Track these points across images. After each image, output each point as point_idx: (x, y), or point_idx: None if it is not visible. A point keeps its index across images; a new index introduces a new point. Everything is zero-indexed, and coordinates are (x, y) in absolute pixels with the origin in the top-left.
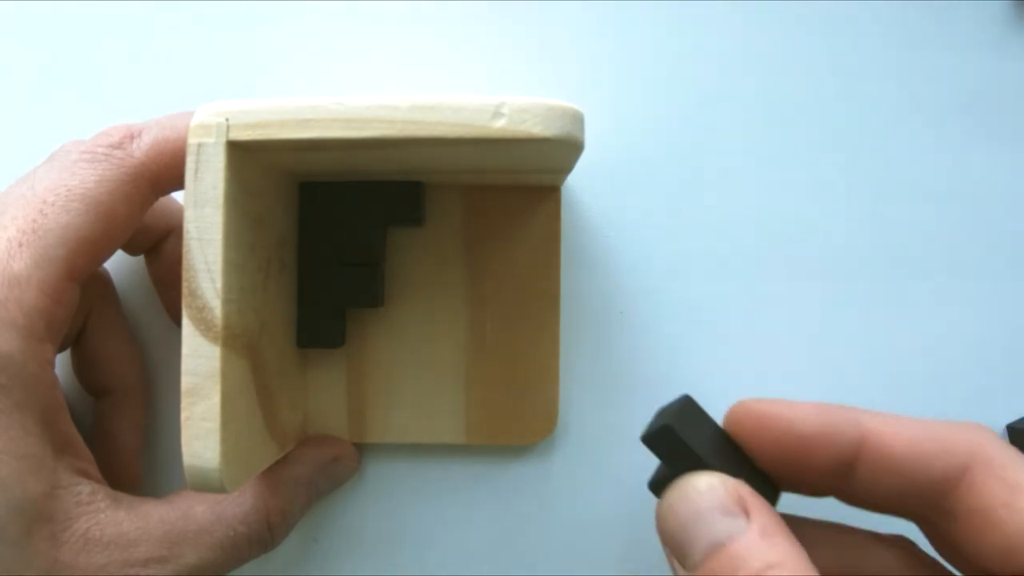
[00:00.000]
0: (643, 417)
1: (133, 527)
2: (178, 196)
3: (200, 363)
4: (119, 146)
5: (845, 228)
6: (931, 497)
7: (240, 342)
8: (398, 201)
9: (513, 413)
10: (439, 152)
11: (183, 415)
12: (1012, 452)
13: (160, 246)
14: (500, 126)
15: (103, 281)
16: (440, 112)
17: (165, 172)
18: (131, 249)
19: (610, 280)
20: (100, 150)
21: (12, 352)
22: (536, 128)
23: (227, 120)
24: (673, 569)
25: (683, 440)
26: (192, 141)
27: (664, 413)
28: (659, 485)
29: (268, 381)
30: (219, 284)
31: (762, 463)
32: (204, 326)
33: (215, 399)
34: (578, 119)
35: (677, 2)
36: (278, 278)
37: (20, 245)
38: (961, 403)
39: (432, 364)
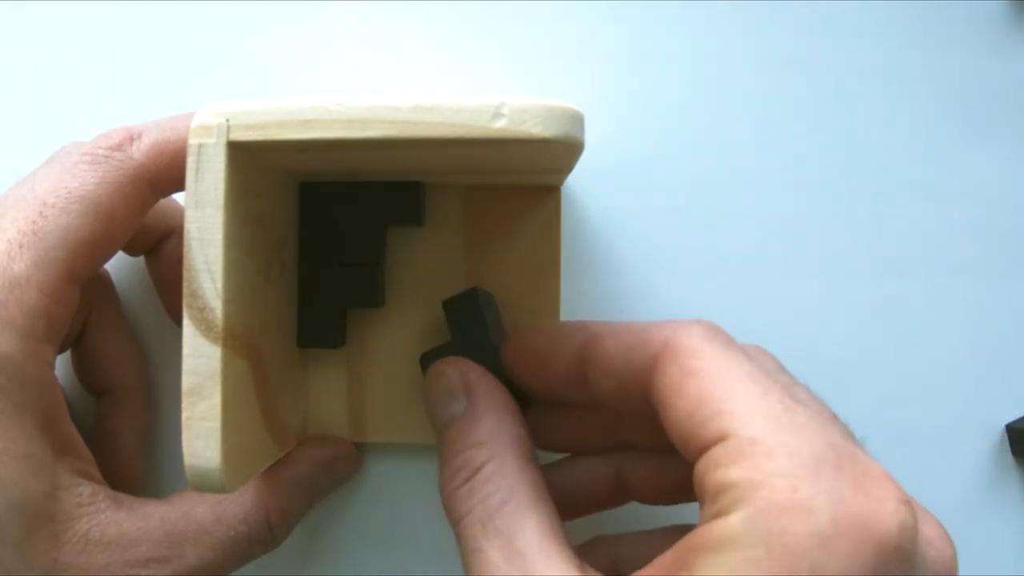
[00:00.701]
0: None
1: (134, 527)
2: (179, 197)
3: (201, 363)
4: (119, 148)
5: (845, 228)
6: (641, 392)
7: (241, 342)
8: (398, 201)
9: None
10: (439, 152)
11: (184, 415)
12: (704, 338)
13: (161, 246)
14: (500, 127)
15: (103, 282)
16: (440, 113)
17: (165, 174)
18: (132, 249)
19: (610, 280)
20: (100, 152)
21: (12, 352)
22: (536, 128)
23: (227, 121)
24: None
25: (480, 308)
26: (193, 142)
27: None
28: (426, 359)
29: (268, 381)
30: (220, 284)
31: (522, 377)
32: (205, 326)
33: (216, 399)
34: (578, 119)
35: (677, 2)
36: (278, 278)
37: (20, 247)
38: (961, 402)
39: None
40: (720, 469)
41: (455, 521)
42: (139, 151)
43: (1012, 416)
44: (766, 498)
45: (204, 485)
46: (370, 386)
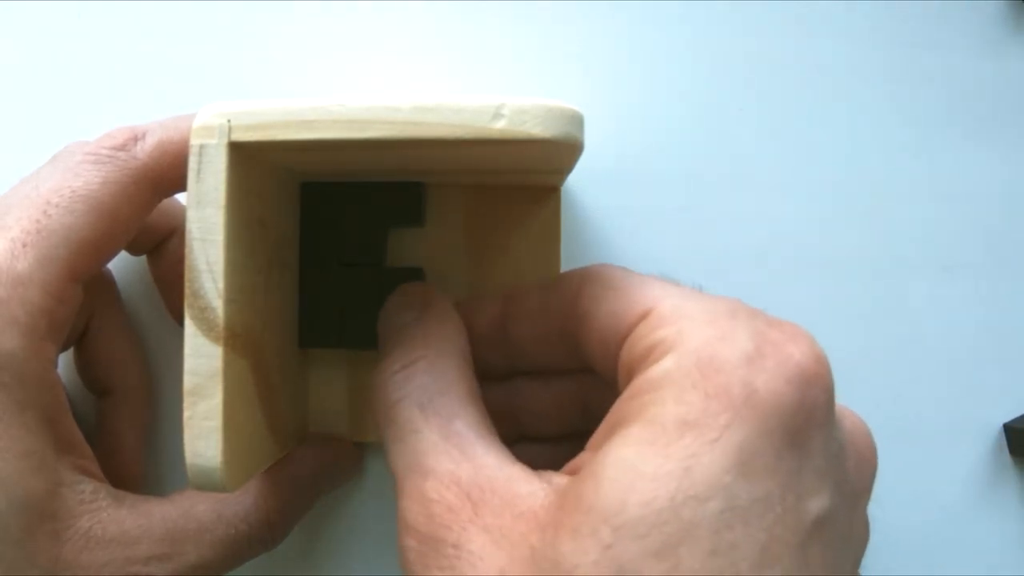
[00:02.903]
0: None
1: (135, 525)
2: (181, 197)
3: (202, 363)
4: (123, 148)
5: (845, 228)
6: (564, 332)
7: (241, 342)
8: (399, 201)
9: None
10: (440, 152)
11: (185, 414)
12: (618, 268)
13: (163, 246)
14: (500, 127)
15: (106, 281)
16: (440, 113)
17: (168, 174)
18: (134, 249)
19: None
20: (104, 151)
21: (14, 350)
22: (536, 129)
23: (229, 121)
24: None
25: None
26: (194, 142)
27: None
28: None
29: (269, 381)
30: (221, 284)
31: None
32: (206, 326)
33: (217, 399)
34: (578, 120)
35: (678, 2)
36: (280, 278)
37: (24, 245)
38: (959, 401)
39: None
40: (647, 336)
41: (389, 405)
42: (143, 151)
43: (1010, 415)
44: (693, 339)
45: (205, 484)
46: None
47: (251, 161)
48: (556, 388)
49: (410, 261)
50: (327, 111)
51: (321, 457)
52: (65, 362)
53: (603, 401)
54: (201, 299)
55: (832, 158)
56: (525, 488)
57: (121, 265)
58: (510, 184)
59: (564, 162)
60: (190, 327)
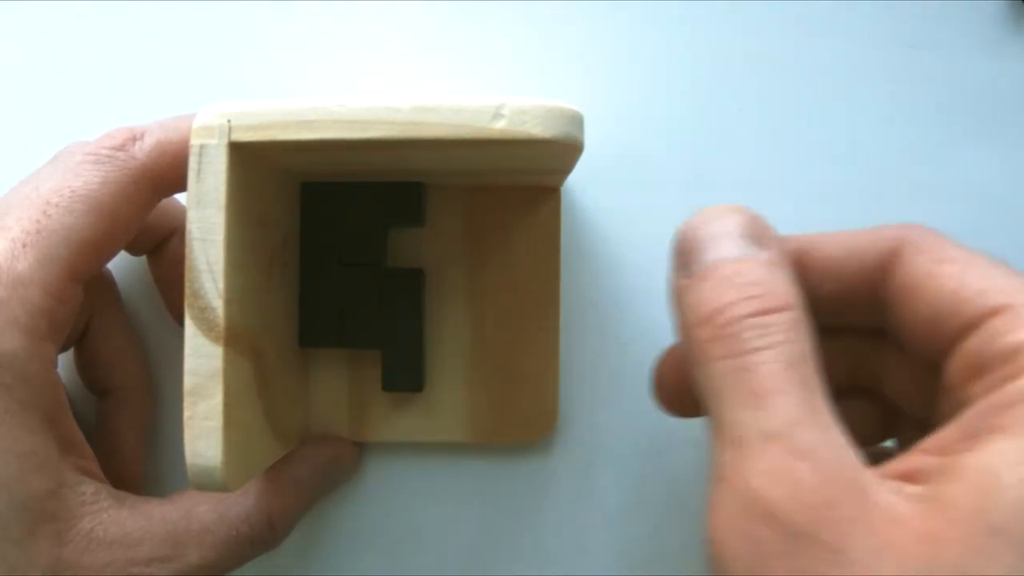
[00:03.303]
0: (642, 414)
1: (136, 526)
2: (181, 197)
3: (202, 363)
4: (122, 148)
5: (845, 228)
6: (871, 290)
7: (242, 342)
8: (399, 201)
9: (513, 411)
10: (440, 153)
11: (185, 415)
12: (941, 235)
13: (163, 246)
14: (500, 127)
15: (106, 281)
16: (441, 113)
17: (168, 174)
18: (134, 249)
19: (610, 280)
20: (103, 152)
21: (16, 351)
22: (536, 129)
23: (229, 121)
24: (671, 282)
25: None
26: (194, 142)
27: None
28: None
29: (270, 381)
30: (221, 284)
31: None
32: (206, 326)
33: (217, 399)
34: (578, 120)
35: (677, 2)
36: (280, 278)
37: (24, 246)
38: None
39: (432, 363)
40: (1008, 335)
41: (742, 351)
42: (142, 151)
43: None
44: None
45: (206, 484)
46: (371, 385)
47: (251, 161)
48: (829, 348)
49: (410, 261)
50: (327, 111)
51: (322, 457)
52: (65, 362)
53: (885, 369)
54: (201, 299)
55: (832, 158)
56: (884, 496)
57: (121, 265)
58: (510, 184)
59: (564, 162)
60: (190, 327)
